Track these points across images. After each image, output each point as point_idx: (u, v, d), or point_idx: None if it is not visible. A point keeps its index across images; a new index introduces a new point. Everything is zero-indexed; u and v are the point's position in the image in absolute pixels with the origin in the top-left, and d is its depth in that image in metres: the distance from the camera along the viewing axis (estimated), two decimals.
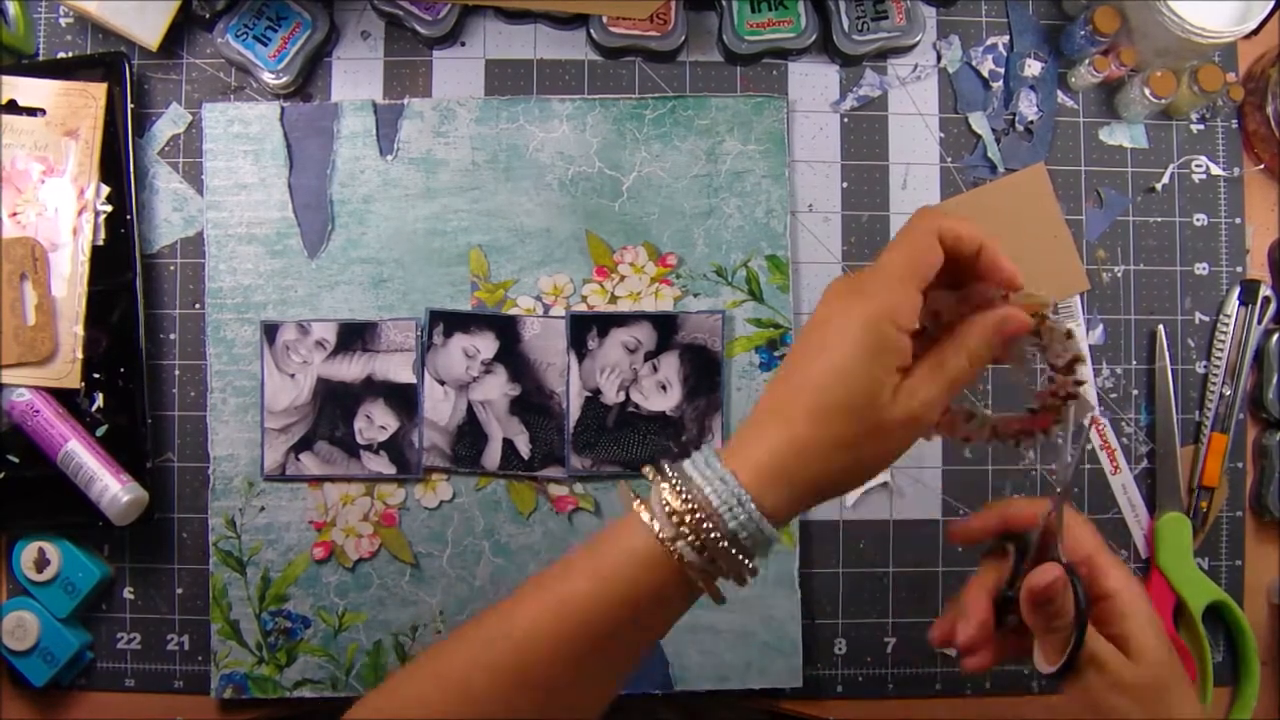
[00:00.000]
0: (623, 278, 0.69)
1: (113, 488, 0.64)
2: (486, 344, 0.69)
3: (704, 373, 0.69)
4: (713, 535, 0.42)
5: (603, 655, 0.43)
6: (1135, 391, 0.71)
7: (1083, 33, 0.68)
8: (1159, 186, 0.72)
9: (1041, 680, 0.69)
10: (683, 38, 0.70)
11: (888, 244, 0.45)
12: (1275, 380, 0.70)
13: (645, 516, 0.43)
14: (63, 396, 0.67)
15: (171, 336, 0.69)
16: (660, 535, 0.42)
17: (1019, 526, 0.47)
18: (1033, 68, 0.72)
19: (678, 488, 0.43)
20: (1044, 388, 0.46)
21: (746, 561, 0.43)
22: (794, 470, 0.42)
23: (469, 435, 0.68)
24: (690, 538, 0.42)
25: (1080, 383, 0.45)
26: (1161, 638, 0.45)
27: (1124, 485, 0.71)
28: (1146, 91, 0.68)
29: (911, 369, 0.43)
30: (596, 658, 0.43)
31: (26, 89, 0.68)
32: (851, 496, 0.70)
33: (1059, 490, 0.46)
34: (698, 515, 0.42)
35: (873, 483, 0.69)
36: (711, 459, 0.43)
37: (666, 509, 0.42)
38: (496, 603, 0.45)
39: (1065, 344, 0.45)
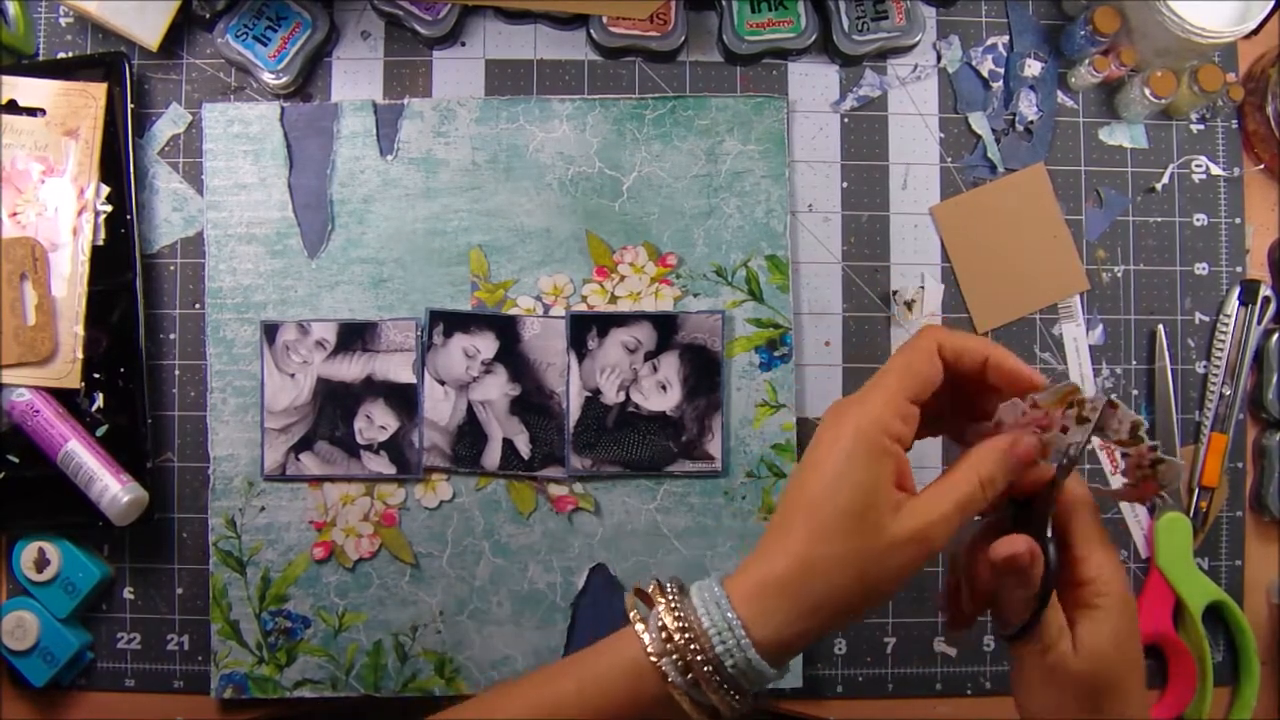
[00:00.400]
0: (623, 278, 0.69)
1: (113, 488, 0.64)
2: (486, 344, 0.69)
3: (704, 373, 0.69)
4: (698, 659, 0.41)
5: None
6: (1135, 391, 0.71)
7: (1083, 33, 0.68)
8: (1159, 186, 0.72)
9: None
10: (683, 38, 0.70)
11: (889, 359, 0.45)
12: (1275, 380, 0.70)
13: (640, 629, 0.43)
14: (63, 396, 0.67)
15: (171, 336, 0.69)
16: (649, 650, 0.42)
17: (1023, 491, 0.46)
18: (1033, 68, 0.72)
19: (673, 605, 0.43)
20: (1125, 463, 0.45)
21: (733, 693, 0.42)
22: (794, 592, 0.42)
23: (469, 435, 0.68)
24: (676, 658, 0.42)
25: (1156, 448, 0.44)
26: (1120, 638, 0.43)
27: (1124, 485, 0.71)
28: (1146, 91, 0.68)
29: (920, 492, 0.43)
30: None
31: (26, 89, 0.68)
32: None
33: (1064, 464, 0.45)
34: (687, 636, 0.42)
35: None
36: (715, 583, 0.43)
37: (660, 625, 0.42)
38: (493, 686, 0.46)
39: (1117, 415, 0.43)
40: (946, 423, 0.48)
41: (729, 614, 0.42)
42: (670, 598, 0.43)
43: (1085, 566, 0.44)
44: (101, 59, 0.69)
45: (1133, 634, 0.44)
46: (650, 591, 0.44)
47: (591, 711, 0.43)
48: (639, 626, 0.43)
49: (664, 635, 0.42)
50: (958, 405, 0.47)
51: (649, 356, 0.69)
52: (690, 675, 0.42)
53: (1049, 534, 0.44)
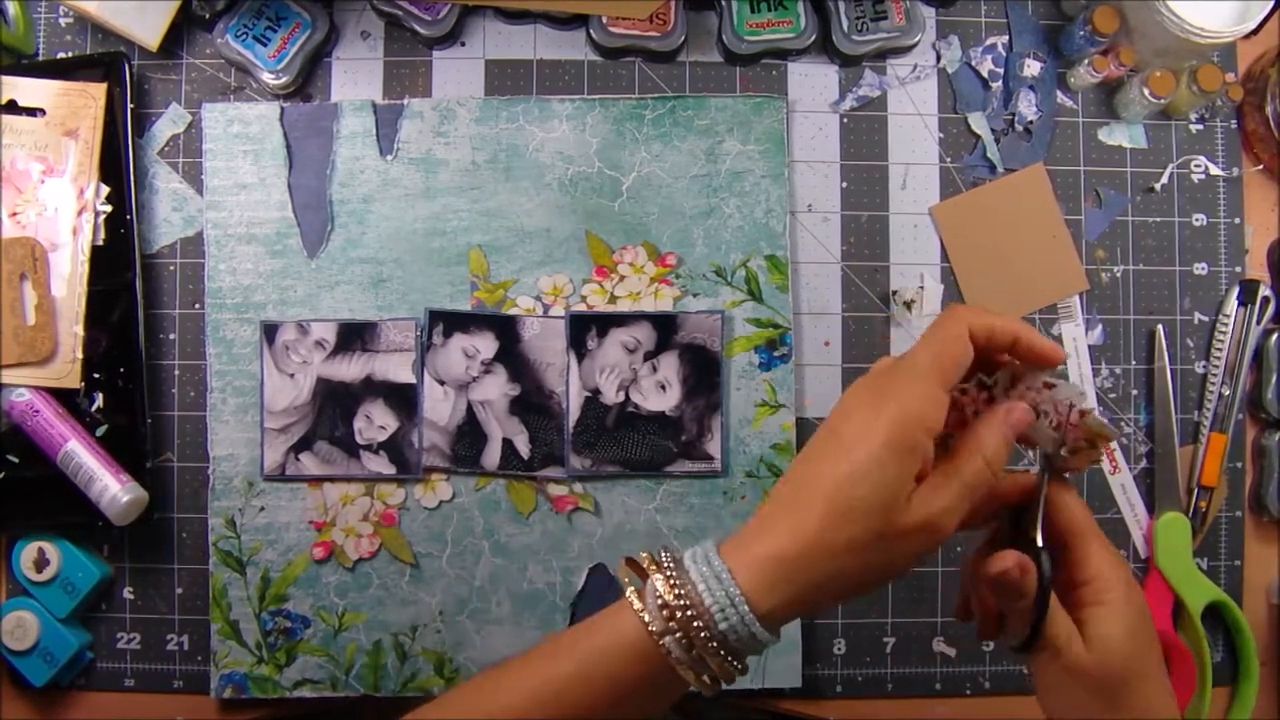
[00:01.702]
0: (622, 278, 0.69)
1: (112, 488, 0.64)
2: (486, 344, 0.69)
3: (703, 373, 0.69)
4: (702, 635, 0.41)
5: None
6: (1134, 391, 0.71)
7: (1082, 33, 0.68)
8: (1158, 186, 0.72)
9: None
10: (682, 38, 0.70)
11: (918, 341, 0.44)
12: (1274, 380, 0.70)
13: (637, 606, 0.42)
14: (63, 396, 0.67)
15: (171, 336, 0.69)
16: (650, 628, 0.42)
17: (1010, 499, 0.47)
18: (1032, 68, 0.72)
19: (671, 580, 0.42)
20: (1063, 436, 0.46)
21: (735, 663, 0.42)
22: (798, 571, 0.41)
23: (469, 435, 0.68)
24: (679, 634, 0.41)
25: (1081, 410, 0.45)
26: (1131, 629, 0.44)
27: (1123, 485, 0.71)
28: (1146, 91, 0.68)
29: (926, 476, 0.43)
30: None
31: (26, 89, 0.68)
32: None
33: (1044, 468, 0.46)
34: (689, 613, 0.41)
35: None
36: (711, 554, 0.43)
37: (659, 601, 0.42)
38: (486, 671, 0.45)
39: (1053, 394, 0.45)
40: None
41: (732, 589, 0.41)
42: (668, 571, 0.43)
43: (1085, 566, 0.45)
44: (101, 59, 0.69)
45: (1143, 624, 0.45)
46: (644, 564, 0.44)
47: (595, 693, 0.42)
48: (636, 604, 0.42)
49: (665, 613, 0.42)
50: None
51: (648, 356, 0.69)
52: (694, 651, 0.42)
53: (1040, 542, 0.45)
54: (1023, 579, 0.43)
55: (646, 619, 0.42)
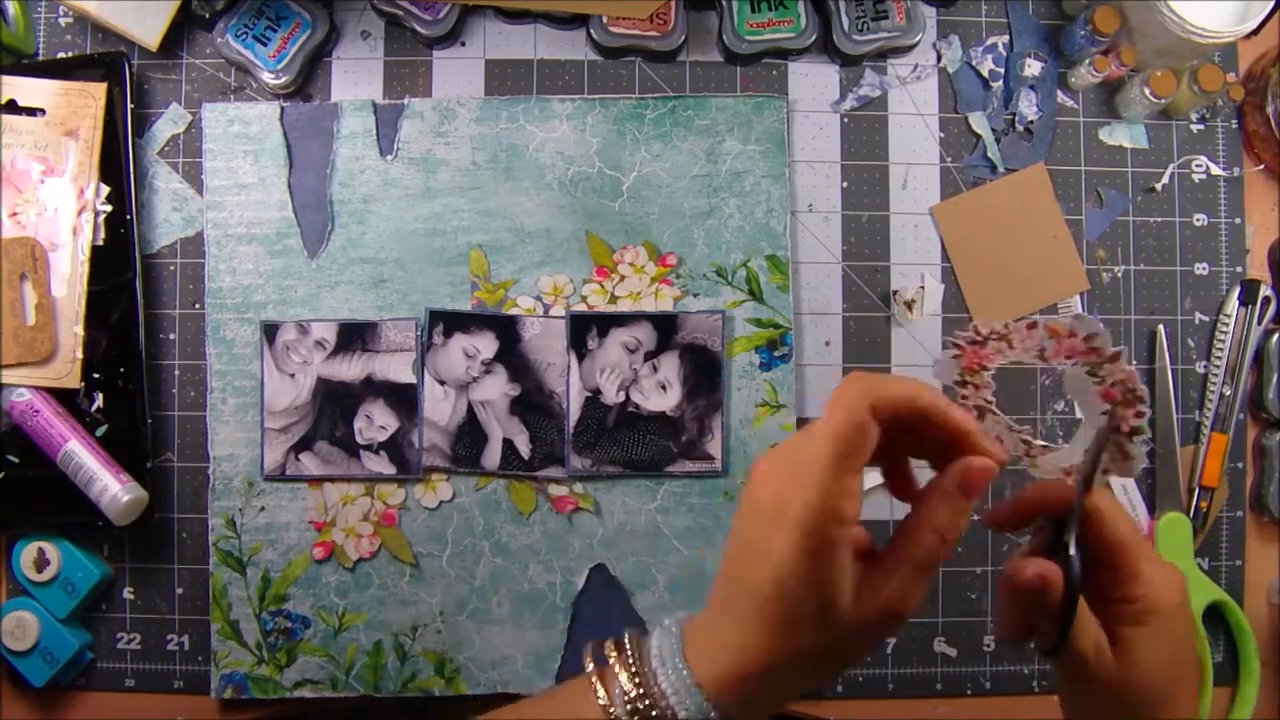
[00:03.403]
0: (623, 278, 0.69)
1: (113, 488, 0.64)
2: (486, 344, 0.69)
3: (704, 373, 0.69)
4: None
5: None
6: None
7: (1083, 33, 0.68)
8: (1159, 186, 0.72)
9: (1040, 681, 0.69)
10: (683, 38, 0.70)
11: (823, 417, 0.40)
12: (1275, 380, 0.70)
13: (603, 699, 0.41)
14: (63, 396, 0.67)
15: (171, 336, 0.69)
16: (613, 717, 0.40)
17: (1052, 508, 0.45)
18: (1033, 68, 0.72)
19: (636, 677, 0.40)
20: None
21: None
22: (756, 683, 0.39)
23: (469, 435, 0.68)
24: None
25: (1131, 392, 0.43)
26: (1165, 658, 0.42)
27: (1124, 485, 0.71)
28: (1146, 91, 0.68)
29: (875, 558, 0.40)
30: None
31: (26, 89, 0.68)
32: None
33: (1079, 480, 0.44)
34: (654, 713, 0.40)
35: (872, 483, 0.69)
36: (676, 654, 0.41)
37: (623, 695, 0.40)
38: None
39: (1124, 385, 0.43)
40: (897, 447, 0.44)
41: (697, 697, 0.39)
42: (632, 666, 0.41)
43: (1133, 584, 0.43)
44: (101, 59, 0.69)
45: (1185, 646, 0.43)
46: (606, 650, 0.42)
47: None
48: (601, 695, 0.41)
49: (629, 708, 0.40)
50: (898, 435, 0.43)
51: (649, 356, 0.69)
52: None
53: (1072, 552, 0.43)
54: (1045, 589, 0.41)
55: (614, 712, 0.40)
